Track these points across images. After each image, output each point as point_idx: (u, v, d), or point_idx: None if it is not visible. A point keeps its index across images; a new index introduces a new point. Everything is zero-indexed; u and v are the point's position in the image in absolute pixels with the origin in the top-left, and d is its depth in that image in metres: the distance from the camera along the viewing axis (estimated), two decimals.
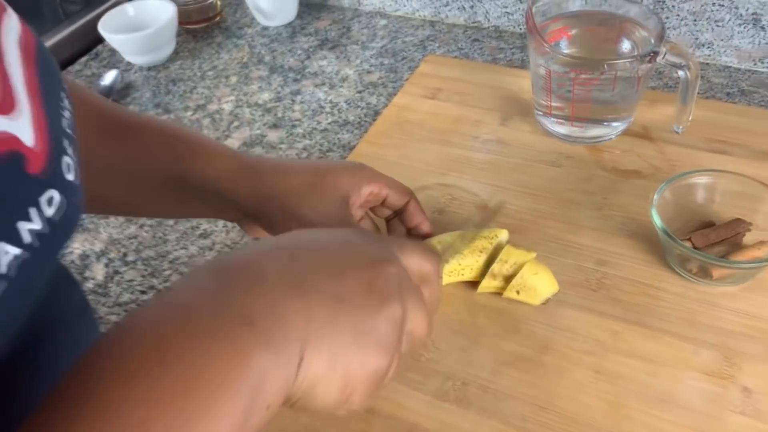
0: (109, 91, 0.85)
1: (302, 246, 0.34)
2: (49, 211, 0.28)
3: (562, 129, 0.69)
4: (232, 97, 0.85)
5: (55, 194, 0.29)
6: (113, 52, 0.94)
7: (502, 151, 0.70)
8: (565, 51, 0.66)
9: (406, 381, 0.51)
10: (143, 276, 0.63)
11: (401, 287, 0.34)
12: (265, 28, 0.97)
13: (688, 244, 0.55)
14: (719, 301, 0.54)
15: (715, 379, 0.49)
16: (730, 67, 0.80)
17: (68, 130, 0.32)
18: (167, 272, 0.63)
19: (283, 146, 0.76)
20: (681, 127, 0.65)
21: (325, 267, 0.33)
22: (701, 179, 0.57)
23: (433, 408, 0.49)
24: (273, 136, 0.78)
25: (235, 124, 0.80)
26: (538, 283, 0.53)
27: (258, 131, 0.79)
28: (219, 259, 0.34)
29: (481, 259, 0.54)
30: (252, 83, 0.87)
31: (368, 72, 0.86)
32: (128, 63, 0.92)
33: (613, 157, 0.68)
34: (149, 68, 0.91)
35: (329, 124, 0.79)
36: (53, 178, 0.29)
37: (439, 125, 0.74)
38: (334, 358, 0.31)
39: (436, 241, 0.54)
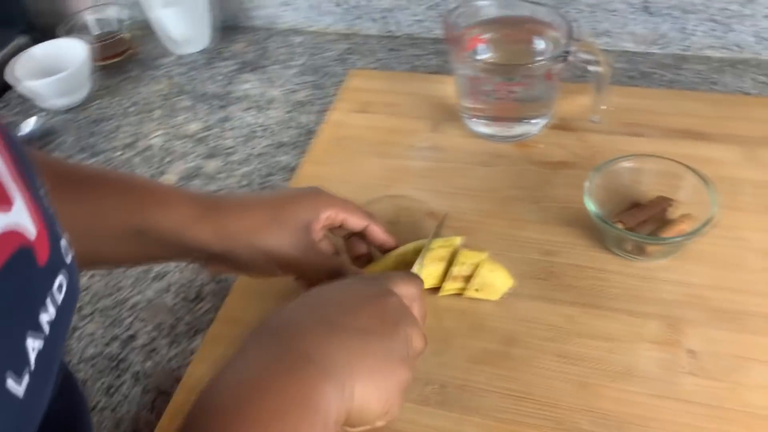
0: (29, 140, 0.83)
1: (322, 299, 0.43)
2: (59, 297, 0.29)
3: (488, 130, 0.73)
4: (160, 131, 0.84)
5: (62, 279, 0.30)
6: (23, 98, 0.91)
7: (439, 157, 0.73)
8: (484, 57, 0.70)
9: None
10: (104, 327, 0.63)
11: (402, 312, 0.43)
12: (181, 57, 0.97)
13: (620, 225, 0.60)
14: (656, 275, 0.59)
15: (664, 347, 0.54)
16: (628, 51, 0.87)
17: (50, 209, 0.32)
18: (128, 320, 0.63)
19: (221, 176, 0.77)
20: (597, 116, 0.70)
21: (344, 309, 0.42)
22: (626, 164, 0.62)
23: (418, 414, 0.52)
24: (210, 166, 0.78)
25: (168, 159, 0.80)
26: (495, 280, 0.56)
27: (193, 163, 0.79)
28: (266, 326, 0.42)
29: (441, 266, 0.57)
30: (178, 114, 0.86)
31: (294, 91, 0.88)
32: (42, 108, 0.89)
33: (540, 151, 0.72)
34: (67, 111, 0.89)
35: (265, 147, 0.80)
36: (58, 263, 0.30)
37: (375, 138, 0.77)
38: (373, 378, 0.39)
39: (396, 254, 0.57)
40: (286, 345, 0.39)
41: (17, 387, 0.25)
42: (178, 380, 0.58)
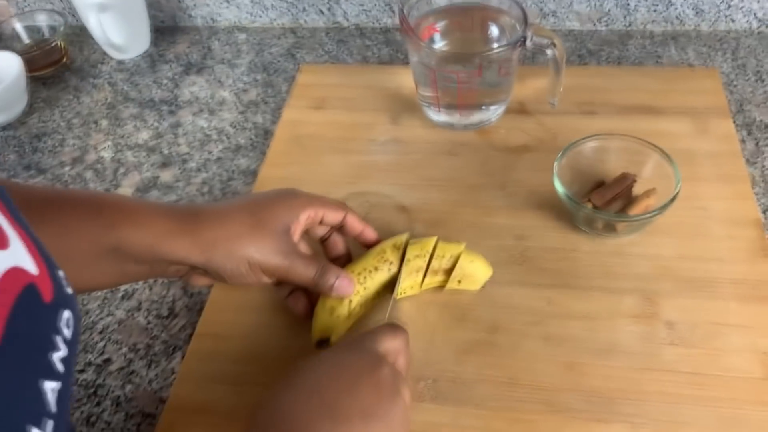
0: None
1: (317, 381, 0.41)
2: (67, 333, 0.28)
3: (449, 119, 0.73)
4: (109, 143, 0.81)
5: (68, 313, 0.28)
6: None
7: (401, 149, 0.73)
8: (440, 46, 0.70)
9: None
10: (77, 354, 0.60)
11: (394, 379, 0.42)
12: (121, 62, 0.93)
13: (589, 205, 0.61)
14: (627, 250, 0.61)
15: (642, 320, 0.56)
16: (574, 30, 0.88)
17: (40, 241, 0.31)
18: (100, 344, 0.61)
19: (179, 185, 0.74)
20: (555, 99, 0.71)
21: (341, 392, 0.40)
22: (589, 144, 0.64)
23: (415, 411, 0.52)
24: (166, 175, 0.76)
25: (121, 170, 0.77)
26: (475, 270, 0.57)
27: (148, 173, 0.76)
28: (265, 422, 0.40)
29: (419, 276, 0.57)
30: (125, 124, 0.83)
31: (244, 91, 0.86)
32: None
33: (501, 136, 0.73)
34: (4, 128, 0.84)
35: (221, 152, 0.78)
36: (62, 297, 0.28)
37: (334, 134, 0.76)
38: None
39: (375, 252, 0.57)
40: None
41: None
42: (162, 401, 0.56)
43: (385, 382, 0.41)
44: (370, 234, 0.58)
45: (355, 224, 0.57)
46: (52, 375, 0.26)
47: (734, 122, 0.72)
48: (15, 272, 0.26)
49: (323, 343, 0.55)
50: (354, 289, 0.54)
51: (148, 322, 0.62)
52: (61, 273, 0.30)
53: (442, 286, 0.58)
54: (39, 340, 0.26)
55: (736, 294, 0.56)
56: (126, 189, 0.74)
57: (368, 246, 0.58)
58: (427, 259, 0.57)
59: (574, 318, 0.56)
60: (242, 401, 0.54)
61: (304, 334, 0.56)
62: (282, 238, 0.51)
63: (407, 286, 0.57)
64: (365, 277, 0.56)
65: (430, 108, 0.74)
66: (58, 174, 0.77)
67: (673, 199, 0.58)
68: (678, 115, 0.72)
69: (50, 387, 0.26)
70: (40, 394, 0.25)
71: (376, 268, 0.56)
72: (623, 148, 0.63)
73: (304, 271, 0.52)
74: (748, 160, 0.68)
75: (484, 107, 0.72)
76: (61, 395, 0.26)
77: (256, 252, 0.50)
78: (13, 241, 0.27)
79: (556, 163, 0.62)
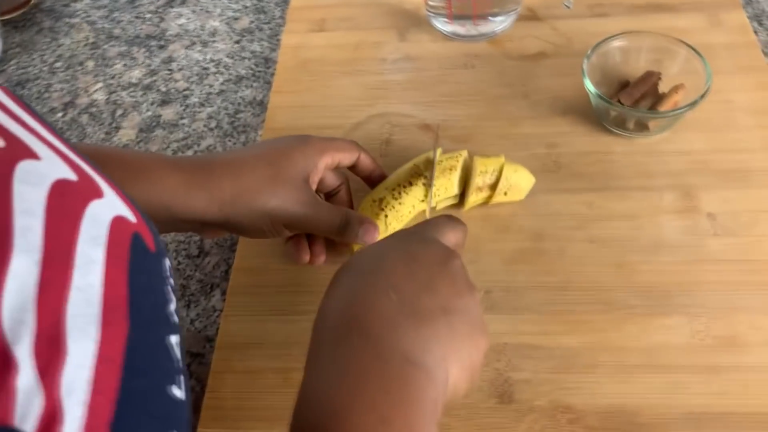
0: None
1: (393, 274, 0.37)
2: (173, 281, 0.26)
3: (461, 29, 0.71)
4: (100, 84, 0.76)
5: (167, 261, 0.27)
6: None
7: (415, 66, 0.71)
8: None
9: None
10: None
11: (465, 273, 0.40)
12: None
13: (617, 104, 0.61)
14: (660, 148, 0.60)
15: (684, 214, 0.56)
16: None
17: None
18: None
19: (184, 122, 0.71)
20: (571, 1, 0.69)
21: (421, 288, 0.37)
22: (613, 44, 0.62)
23: None
24: (168, 113, 0.72)
25: (119, 112, 0.73)
26: (520, 180, 0.56)
27: (149, 113, 0.72)
28: (344, 317, 0.36)
29: (453, 176, 0.56)
30: (114, 63, 0.78)
31: (236, 19, 0.81)
32: None
33: (515, 45, 0.71)
34: None
35: (223, 84, 0.74)
36: (161, 245, 0.27)
37: (342, 56, 0.72)
38: (463, 362, 0.36)
39: (386, 185, 0.55)
40: (379, 346, 0.34)
41: (179, 392, 0.23)
42: (209, 340, 0.55)
43: (459, 275, 0.39)
44: (380, 172, 0.57)
45: (367, 163, 0.55)
46: (173, 328, 0.24)
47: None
48: (120, 222, 0.24)
49: None
50: (378, 234, 0.52)
51: (179, 263, 0.60)
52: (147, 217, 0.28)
53: (486, 203, 0.57)
54: (156, 293, 0.24)
55: None
56: (128, 131, 0.71)
57: (374, 184, 0.57)
58: (460, 161, 0.56)
59: (616, 219, 0.56)
60: (296, 329, 0.53)
61: (345, 256, 0.55)
62: (302, 188, 0.49)
63: (440, 185, 0.55)
64: (400, 193, 0.55)
65: (439, 19, 0.71)
66: (50, 121, 0.73)
67: (705, 93, 0.57)
68: (689, 10, 0.71)
69: (174, 341, 0.24)
70: (168, 350, 0.23)
71: (410, 183, 0.55)
72: (647, 46, 0.62)
73: (327, 221, 0.50)
74: (762, 51, 0.68)
75: (498, 15, 0.70)
76: (181, 348, 0.25)
77: (277, 205, 0.48)
78: (106, 190, 0.25)
79: (584, 65, 0.60)
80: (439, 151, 0.57)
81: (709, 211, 0.56)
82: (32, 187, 0.21)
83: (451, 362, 0.35)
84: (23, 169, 0.21)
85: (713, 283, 0.52)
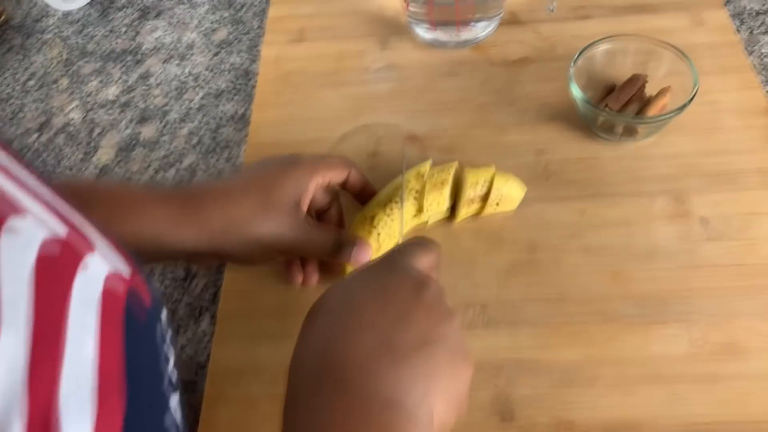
0: None
1: (364, 311, 0.36)
2: (170, 335, 0.25)
3: (444, 37, 0.70)
4: (76, 102, 0.74)
5: (164, 313, 0.26)
6: None
7: (399, 75, 0.69)
8: None
9: None
10: None
11: (441, 298, 0.38)
12: (67, 14, 0.84)
13: (605, 109, 0.60)
14: (648, 152, 0.60)
15: (677, 219, 0.56)
16: None
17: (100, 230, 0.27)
18: None
19: (165, 139, 0.69)
20: (554, 4, 0.68)
21: (394, 322, 0.35)
22: (599, 48, 0.62)
23: (470, 339, 0.50)
24: (147, 131, 0.70)
25: (97, 131, 0.71)
26: (511, 190, 0.55)
27: (128, 131, 0.70)
28: (317, 364, 0.34)
29: (445, 191, 0.55)
30: (89, 80, 0.76)
31: (213, 31, 0.79)
32: None
33: (498, 51, 0.70)
34: None
35: (202, 99, 0.72)
36: (156, 295, 0.25)
37: (323, 67, 0.71)
38: (447, 393, 0.34)
39: (376, 202, 0.54)
40: (357, 392, 0.32)
41: None
42: (200, 366, 0.53)
43: (434, 303, 0.37)
44: (371, 189, 0.56)
45: (357, 180, 0.54)
46: (174, 387, 0.23)
47: None
48: (114, 279, 0.22)
49: None
50: (371, 253, 0.52)
51: (166, 287, 0.58)
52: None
53: (478, 214, 0.56)
54: (154, 357, 0.23)
55: (762, 182, 0.57)
56: (106, 150, 0.69)
57: (364, 201, 0.56)
58: (451, 173, 0.55)
59: (609, 226, 0.56)
60: (290, 351, 0.51)
61: (337, 276, 0.54)
62: (293, 213, 0.48)
63: (432, 199, 0.54)
64: (392, 209, 0.54)
65: (421, 26, 0.70)
66: (26, 143, 0.71)
67: (693, 96, 0.57)
68: (672, 10, 0.71)
69: (175, 403, 0.23)
70: (169, 412, 0.22)
71: (402, 199, 0.54)
72: (632, 49, 0.62)
73: (320, 244, 0.50)
74: (744, 49, 0.68)
75: (480, 21, 0.69)
76: (181, 403, 0.24)
77: (269, 233, 0.47)
78: (97, 240, 0.23)
79: (570, 71, 0.60)
80: (428, 163, 0.56)
81: (702, 215, 0.55)
82: (18, 251, 0.19)
83: (435, 397, 0.34)
84: (8, 229, 0.20)
85: (709, 289, 0.51)
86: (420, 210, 0.55)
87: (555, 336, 0.50)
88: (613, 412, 0.47)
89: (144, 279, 0.25)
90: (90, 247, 0.23)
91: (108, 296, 0.21)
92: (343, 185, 0.55)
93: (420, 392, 0.33)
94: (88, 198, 0.43)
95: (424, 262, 0.40)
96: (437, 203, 0.55)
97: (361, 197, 0.55)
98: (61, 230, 0.22)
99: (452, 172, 0.55)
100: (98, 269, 0.22)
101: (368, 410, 0.31)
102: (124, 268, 0.24)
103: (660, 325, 0.50)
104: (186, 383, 0.53)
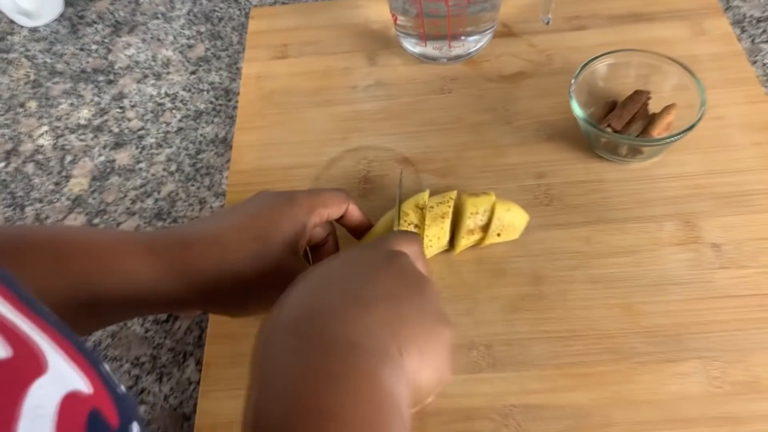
0: None
1: (332, 277, 0.37)
2: None
3: (435, 52, 0.67)
4: (45, 128, 0.69)
5: (136, 428, 0.22)
6: None
7: (388, 93, 0.66)
8: None
9: None
10: None
11: (416, 269, 0.38)
12: (34, 30, 0.80)
13: (609, 129, 0.57)
14: (654, 173, 0.57)
15: (687, 246, 0.53)
16: None
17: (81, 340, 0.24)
18: None
19: (141, 166, 0.65)
20: (549, 15, 0.65)
21: (362, 281, 0.36)
22: (600, 63, 0.59)
23: (474, 383, 0.48)
24: (122, 157, 0.66)
25: (68, 159, 0.67)
26: (514, 219, 0.52)
27: (102, 158, 0.66)
28: (282, 325, 0.34)
29: (445, 224, 0.52)
30: (59, 102, 0.72)
31: (190, 47, 0.75)
32: None
33: (492, 65, 0.67)
34: None
35: (181, 120, 0.68)
36: (125, 412, 0.22)
37: (308, 86, 0.67)
38: (418, 346, 0.34)
39: (374, 233, 0.51)
40: (321, 339, 0.32)
41: None
42: (186, 418, 0.50)
43: (406, 268, 0.37)
44: (368, 224, 0.51)
45: (355, 215, 0.50)
46: None
47: None
48: (72, 401, 0.19)
49: None
50: None
51: (146, 330, 0.55)
52: (106, 368, 0.23)
53: (478, 244, 0.53)
54: None
55: None
56: (80, 180, 0.65)
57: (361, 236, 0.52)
58: (452, 205, 0.52)
59: (616, 254, 0.53)
60: None
61: None
62: (290, 259, 0.44)
63: (432, 235, 0.51)
64: None
65: (410, 40, 0.67)
66: None
67: (701, 116, 0.54)
68: (670, 19, 0.68)
69: None
70: None
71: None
72: (634, 63, 0.59)
73: None
74: (748, 59, 0.65)
75: (473, 35, 0.65)
76: None
77: (266, 288, 0.43)
78: (52, 357, 0.20)
79: (571, 88, 0.57)
80: (426, 194, 0.52)
81: (713, 241, 0.53)
82: None
83: (405, 346, 0.33)
84: None
85: (725, 322, 0.49)
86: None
87: (564, 378, 0.47)
88: None
89: (111, 393, 0.21)
90: (40, 369, 0.19)
91: (63, 424, 0.18)
92: (340, 219, 0.51)
93: (385, 336, 0.33)
94: (59, 250, 0.39)
95: (404, 247, 0.40)
96: (438, 238, 0.52)
97: (357, 232, 0.52)
98: (5, 352, 0.18)
99: (452, 204, 0.52)
100: (51, 392, 0.18)
101: (334, 353, 0.31)
102: (84, 386, 0.20)
103: (675, 363, 0.47)
104: None
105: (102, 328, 0.43)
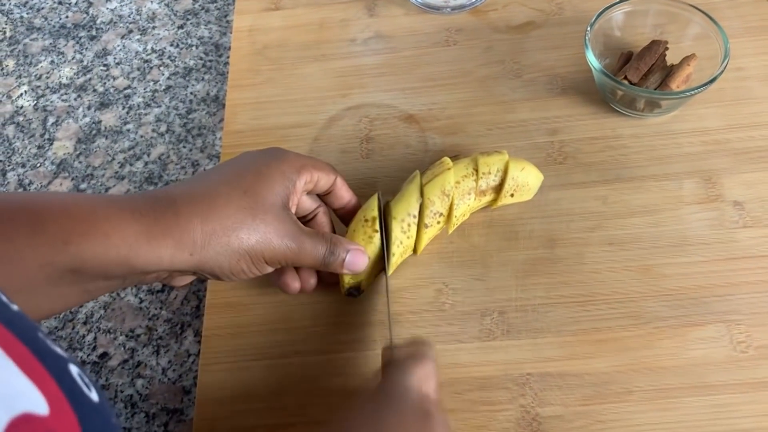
0: None
1: None
2: None
3: (439, 1, 0.63)
4: (25, 87, 0.65)
5: None
6: None
7: (389, 46, 0.62)
8: None
9: (445, 339, 0.46)
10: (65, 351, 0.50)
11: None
12: None
13: (626, 82, 0.54)
14: (673, 128, 0.54)
15: (708, 204, 0.50)
16: None
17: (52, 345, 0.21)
18: (89, 337, 0.50)
19: (129, 127, 0.62)
20: None
21: None
22: (616, 11, 0.55)
23: (488, 352, 0.46)
24: (108, 118, 0.62)
25: (51, 120, 0.63)
26: (528, 178, 0.49)
27: (86, 119, 0.62)
28: None
29: (447, 202, 0.48)
30: (39, 60, 0.67)
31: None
32: None
33: (500, 15, 0.63)
34: None
35: (169, 78, 0.64)
36: (90, 427, 0.19)
37: (304, 39, 0.64)
38: None
39: (360, 220, 0.47)
40: None
41: None
42: (186, 391, 0.47)
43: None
44: (356, 202, 0.49)
45: (343, 189, 0.47)
46: None
47: None
48: (23, 423, 0.16)
49: (354, 290, 0.47)
50: (366, 260, 0.45)
51: (141, 301, 0.52)
52: (74, 369, 0.20)
53: (490, 205, 0.51)
54: None
55: None
56: (64, 143, 0.61)
57: (347, 219, 0.49)
58: (476, 180, 0.48)
59: (635, 214, 0.50)
60: (287, 374, 0.46)
61: (331, 286, 0.48)
62: (284, 216, 0.41)
63: (466, 209, 0.49)
64: (409, 225, 0.47)
65: None
66: None
67: (724, 68, 0.51)
68: None
69: None
70: None
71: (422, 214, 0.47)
72: (652, 11, 0.55)
73: (312, 252, 0.43)
74: None
75: None
76: None
77: (257, 241, 0.40)
78: (2, 371, 0.17)
79: (587, 37, 0.53)
80: (451, 174, 0.48)
81: (735, 199, 0.50)
82: None
83: None
84: None
85: (749, 284, 0.47)
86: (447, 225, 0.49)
87: (582, 344, 0.45)
88: (653, 428, 0.42)
89: (76, 408, 0.19)
90: None
91: None
92: (327, 197, 0.48)
93: None
94: (36, 216, 0.36)
95: (420, 373, 0.39)
96: (463, 215, 0.49)
97: (345, 212, 0.48)
98: None
99: (475, 175, 0.48)
100: None
101: None
102: (39, 404, 0.17)
103: (697, 327, 0.45)
104: (171, 411, 0.47)
105: (91, 299, 0.40)
